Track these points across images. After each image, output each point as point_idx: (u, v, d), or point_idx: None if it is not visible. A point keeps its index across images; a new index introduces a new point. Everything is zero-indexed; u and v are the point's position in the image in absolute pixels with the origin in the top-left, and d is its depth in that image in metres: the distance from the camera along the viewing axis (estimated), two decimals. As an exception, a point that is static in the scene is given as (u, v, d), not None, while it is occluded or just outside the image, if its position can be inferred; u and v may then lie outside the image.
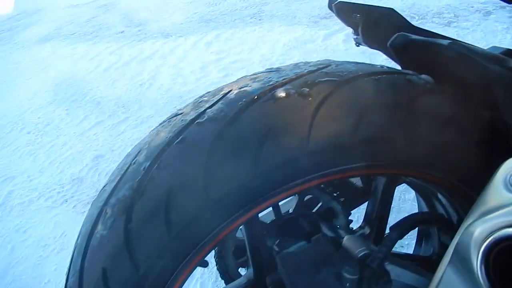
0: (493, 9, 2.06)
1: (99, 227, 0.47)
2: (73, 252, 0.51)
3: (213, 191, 0.44)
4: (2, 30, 3.93)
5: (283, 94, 0.45)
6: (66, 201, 1.71)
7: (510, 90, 0.50)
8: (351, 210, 0.86)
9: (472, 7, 2.10)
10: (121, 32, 3.26)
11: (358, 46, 0.80)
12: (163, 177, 0.45)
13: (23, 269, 1.45)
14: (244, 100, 0.46)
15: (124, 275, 0.45)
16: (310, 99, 0.45)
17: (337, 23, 2.68)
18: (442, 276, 0.36)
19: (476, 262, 0.32)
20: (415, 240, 0.79)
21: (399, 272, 0.49)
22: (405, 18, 0.70)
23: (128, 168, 0.48)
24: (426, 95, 0.48)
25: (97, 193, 1.71)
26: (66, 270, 0.52)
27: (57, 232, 1.57)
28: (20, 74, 2.94)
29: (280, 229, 0.71)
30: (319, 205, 0.80)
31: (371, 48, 0.75)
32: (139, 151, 0.49)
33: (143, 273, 0.45)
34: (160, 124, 0.51)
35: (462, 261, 0.34)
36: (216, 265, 0.81)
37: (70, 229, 1.57)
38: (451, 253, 0.36)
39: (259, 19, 2.69)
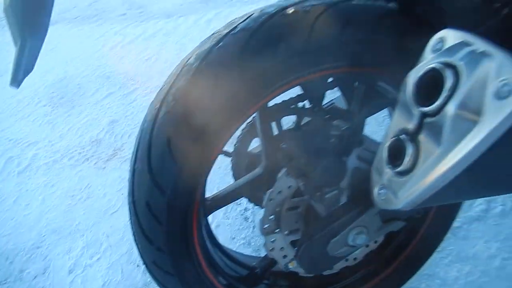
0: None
1: (163, 109, 0.67)
2: (140, 134, 0.70)
3: (245, 74, 0.64)
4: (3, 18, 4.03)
5: (292, 11, 0.65)
6: (88, 160, 1.90)
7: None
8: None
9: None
10: (123, 15, 3.41)
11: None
12: (209, 71, 0.65)
13: (55, 215, 1.64)
14: (264, 16, 0.66)
15: (185, 138, 0.65)
16: (310, 13, 0.65)
17: None
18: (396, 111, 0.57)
19: (411, 91, 0.52)
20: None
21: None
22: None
23: (182, 69, 0.67)
24: (389, 15, 0.69)
25: (114, 152, 1.91)
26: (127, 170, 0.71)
27: (82, 185, 1.76)
28: (28, 55, 3.08)
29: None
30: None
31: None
32: (189, 58, 0.69)
33: (198, 135, 0.65)
34: (202, 41, 0.71)
35: (402, 101, 0.55)
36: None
37: (94, 181, 1.76)
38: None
39: (256, -2, 2.87)
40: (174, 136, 0.65)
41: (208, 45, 0.67)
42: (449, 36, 0.52)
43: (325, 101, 1.03)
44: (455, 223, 1.16)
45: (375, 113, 0.85)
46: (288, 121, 0.99)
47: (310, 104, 0.99)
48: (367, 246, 0.81)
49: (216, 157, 0.71)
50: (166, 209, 0.68)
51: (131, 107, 2.18)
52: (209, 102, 0.64)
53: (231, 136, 0.69)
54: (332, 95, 1.01)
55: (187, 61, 0.68)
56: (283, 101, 0.95)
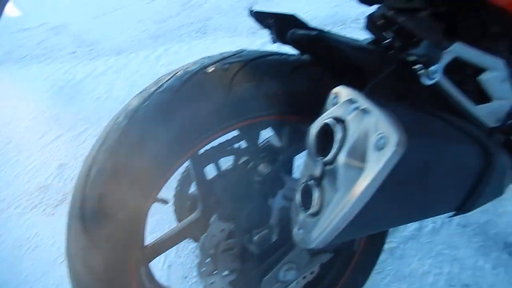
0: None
1: (94, 168, 0.70)
2: (74, 191, 0.72)
3: (171, 130, 0.69)
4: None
5: (212, 69, 0.72)
6: (35, 207, 1.85)
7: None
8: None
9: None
10: (73, 52, 3.40)
11: (274, 43, 1.07)
12: (138, 128, 0.69)
13: (1, 268, 1.57)
14: (187, 75, 0.71)
15: (116, 194, 0.68)
16: (228, 71, 0.71)
17: (273, 33, 3.02)
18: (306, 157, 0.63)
19: (312, 143, 0.59)
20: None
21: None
22: (303, 21, 0.98)
23: (111, 127, 0.71)
24: (303, 66, 0.77)
25: (64, 196, 1.88)
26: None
27: (30, 234, 1.71)
28: (-28, 98, 2.99)
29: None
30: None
31: (282, 44, 1.03)
32: (118, 116, 0.73)
33: (129, 190, 0.68)
34: (131, 99, 0.75)
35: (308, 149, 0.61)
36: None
37: (42, 230, 1.71)
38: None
39: (204, 33, 2.96)
40: (105, 192, 0.68)
41: (135, 103, 0.71)
42: (342, 92, 0.60)
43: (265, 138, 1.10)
44: (392, 244, 1.24)
45: (302, 151, 0.92)
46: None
47: (247, 144, 1.05)
48: (304, 277, 0.86)
49: (150, 207, 0.74)
50: (102, 263, 0.70)
51: (81, 149, 2.15)
52: (137, 158, 0.68)
53: (162, 187, 0.73)
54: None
55: (117, 119, 0.72)
56: (219, 143, 1.00)
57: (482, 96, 0.78)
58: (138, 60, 2.93)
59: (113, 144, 0.70)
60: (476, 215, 1.26)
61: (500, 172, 0.66)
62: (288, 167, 0.89)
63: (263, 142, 1.08)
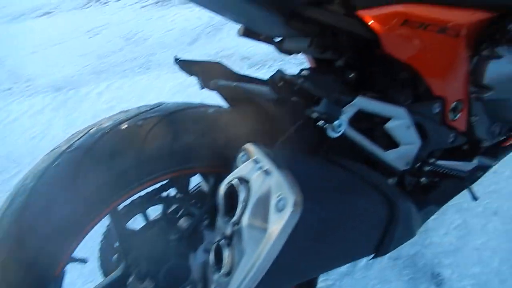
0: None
1: (-3, 235, 0.65)
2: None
3: (81, 191, 0.66)
4: None
5: (125, 126, 0.71)
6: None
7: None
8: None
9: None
10: (9, 89, 3.23)
11: (202, 89, 1.08)
12: (46, 189, 0.66)
13: None
14: (100, 132, 0.70)
15: (21, 261, 0.64)
16: (143, 127, 0.71)
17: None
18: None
19: (220, 203, 0.59)
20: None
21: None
22: (229, 68, 1.00)
23: (19, 189, 0.68)
24: (222, 118, 0.78)
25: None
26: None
27: None
28: None
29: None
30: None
31: (209, 90, 1.04)
32: (26, 178, 0.69)
33: (36, 256, 0.64)
34: (41, 158, 0.72)
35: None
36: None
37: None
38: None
39: (147, 68, 2.94)
40: (10, 259, 0.64)
41: (45, 163, 0.68)
42: (250, 150, 0.61)
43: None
44: (329, 281, 1.26)
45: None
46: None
47: (177, 191, 1.03)
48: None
49: (63, 269, 0.70)
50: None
51: (11, 194, 2.02)
52: (45, 221, 0.65)
53: (76, 247, 0.70)
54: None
55: (24, 181, 0.68)
56: (146, 192, 0.98)
57: (392, 142, 0.84)
58: (78, 96, 2.84)
59: (19, 207, 0.66)
60: (406, 247, 1.31)
61: (405, 218, 0.70)
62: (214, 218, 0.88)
63: (194, 188, 1.08)
